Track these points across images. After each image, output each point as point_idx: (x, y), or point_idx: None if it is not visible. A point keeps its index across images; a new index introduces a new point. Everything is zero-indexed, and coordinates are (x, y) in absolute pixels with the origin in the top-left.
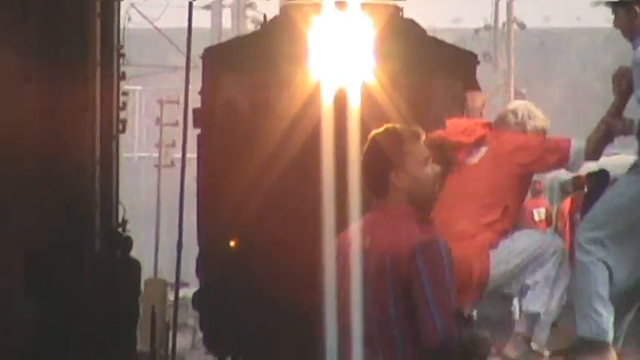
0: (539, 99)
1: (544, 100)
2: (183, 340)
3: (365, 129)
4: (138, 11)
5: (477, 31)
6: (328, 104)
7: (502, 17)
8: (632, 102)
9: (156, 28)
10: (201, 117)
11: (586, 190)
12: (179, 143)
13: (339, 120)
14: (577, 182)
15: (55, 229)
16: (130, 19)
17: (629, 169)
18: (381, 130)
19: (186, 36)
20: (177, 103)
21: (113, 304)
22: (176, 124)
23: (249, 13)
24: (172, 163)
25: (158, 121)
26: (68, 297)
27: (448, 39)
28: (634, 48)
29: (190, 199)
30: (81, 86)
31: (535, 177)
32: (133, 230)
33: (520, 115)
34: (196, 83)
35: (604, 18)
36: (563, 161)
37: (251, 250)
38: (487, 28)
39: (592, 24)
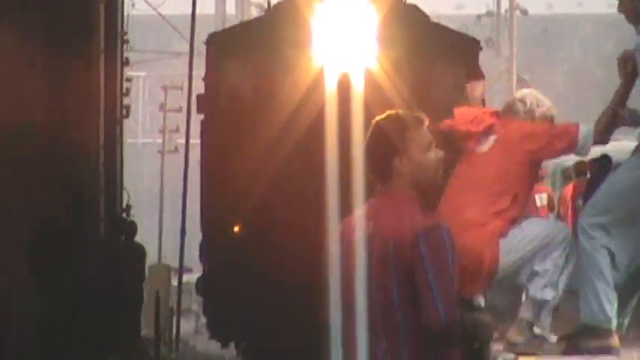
0: (542, 85)
1: (547, 87)
2: (186, 325)
3: (368, 114)
4: None
5: (479, 17)
6: (332, 90)
7: (504, 4)
8: (634, 92)
9: (159, 14)
10: (204, 103)
11: (588, 175)
12: (183, 129)
13: (342, 106)
14: (579, 168)
15: (59, 214)
16: (133, 5)
17: (632, 154)
18: (384, 115)
19: (189, 22)
20: (181, 89)
21: (118, 289)
22: (180, 110)
23: None
24: (176, 149)
25: (162, 107)
26: (72, 281)
27: (451, 25)
28: (638, 33)
29: (194, 184)
30: (85, 72)
31: None
32: (136, 216)
33: (529, 103)
34: (200, 69)
35: (606, 4)
36: (572, 146)
37: (255, 236)
38: (490, 14)
39: (595, 10)
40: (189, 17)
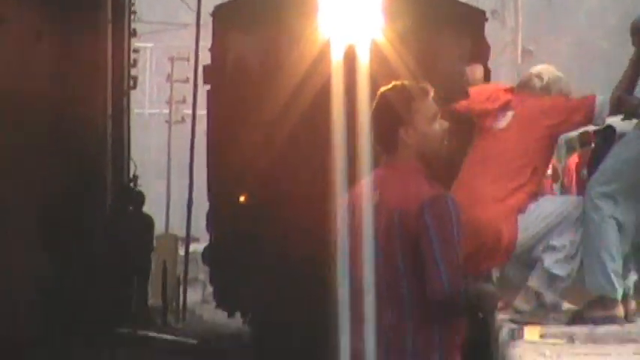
0: (547, 57)
1: (552, 58)
2: (193, 295)
3: (374, 86)
4: None
5: None
6: (338, 61)
7: None
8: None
9: None
10: (211, 74)
11: (593, 146)
12: (189, 100)
13: (348, 77)
14: (583, 138)
15: (67, 185)
16: None
17: (637, 123)
18: (389, 86)
19: None
20: (188, 60)
21: (125, 259)
22: (186, 80)
23: None
24: (183, 120)
25: (169, 77)
26: (81, 252)
27: None
28: None
29: (201, 155)
30: (92, 43)
31: None
32: (143, 186)
33: (545, 78)
34: (207, 40)
35: None
36: (589, 118)
37: (261, 206)
38: None
39: None
40: None
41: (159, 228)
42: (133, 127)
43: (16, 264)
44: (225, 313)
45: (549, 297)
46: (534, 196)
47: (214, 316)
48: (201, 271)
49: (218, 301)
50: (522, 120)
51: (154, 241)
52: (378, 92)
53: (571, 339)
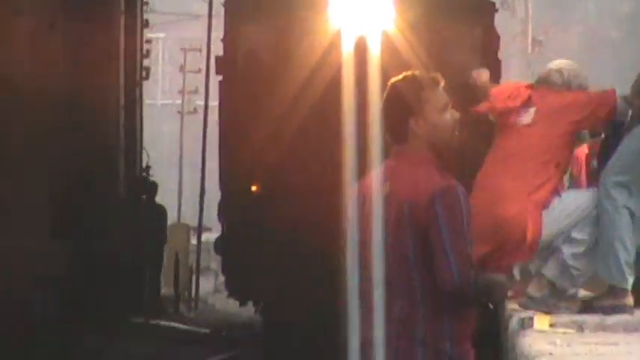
0: (557, 46)
1: (561, 48)
2: (206, 284)
3: (385, 77)
4: None
5: None
6: (348, 52)
7: None
8: None
9: None
10: (223, 64)
11: (602, 136)
12: (202, 90)
13: (359, 68)
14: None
15: (79, 175)
16: None
17: None
18: (400, 77)
19: None
20: (200, 50)
21: (138, 249)
22: (199, 71)
23: None
24: (195, 110)
25: (181, 68)
26: (93, 240)
27: None
28: None
29: (213, 145)
30: (105, 34)
31: None
32: (155, 176)
33: (566, 74)
34: (219, 31)
35: None
36: (612, 112)
37: (272, 196)
38: None
39: None
40: None
41: (171, 218)
42: (145, 117)
43: (28, 253)
44: (237, 303)
45: (563, 287)
46: (557, 191)
47: (226, 305)
48: (213, 261)
49: (230, 291)
50: (545, 115)
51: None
52: (389, 83)
53: (581, 328)
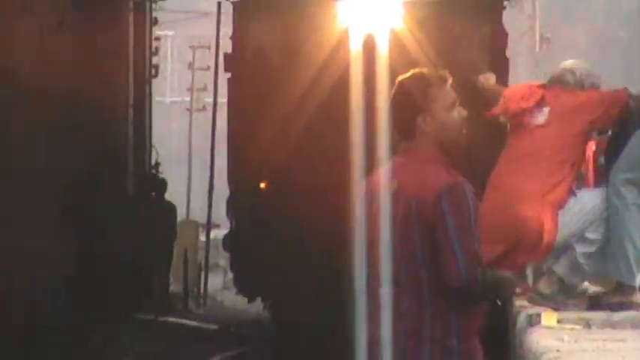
0: (564, 44)
1: (569, 46)
2: (214, 281)
3: (393, 75)
4: None
5: None
6: (357, 50)
7: None
8: None
9: None
10: (232, 62)
11: (610, 133)
12: (211, 87)
13: (367, 66)
14: None
15: (89, 171)
16: None
17: None
18: (408, 74)
19: None
20: (209, 48)
21: (148, 246)
22: (208, 68)
23: None
24: (204, 107)
25: (190, 65)
26: (102, 237)
27: None
28: None
29: (221, 142)
30: (114, 32)
31: None
32: (164, 173)
33: (578, 73)
34: (228, 28)
35: None
36: (624, 111)
37: (280, 193)
38: None
39: None
40: None
41: (180, 215)
42: (154, 114)
43: (38, 251)
44: (246, 299)
45: (572, 284)
46: (572, 191)
47: (235, 302)
48: (221, 258)
49: (238, 287)
50: (559, 116)
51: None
52: (397, 80)
53: (588, 324)
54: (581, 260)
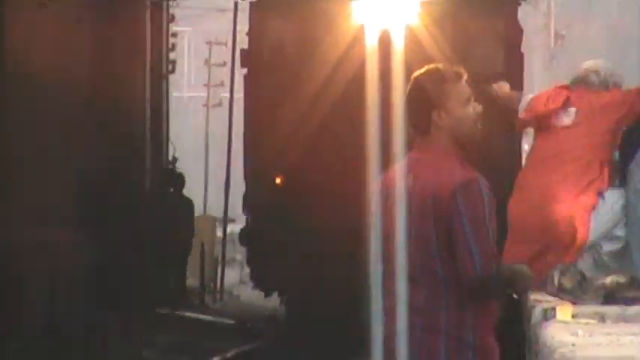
0: (579, 41)
1: (584, 43)
2: (231, 275)
3: (408, 71)
4: None
5: None
6: (372, 46)
7: None
8: None
9: None
10: (248, 57)
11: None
12: (227, 83)
13: (383, 62)
14: None
15: (106, 167)
16: None
17: None
18: (423, 70)
19: None
20: (226, 44)
21: (166, 240)
22: (224, 64)
23: None
24: (220, 103)
25: (206, 61)
26: (121, 233)
27: None
28: None
29: (238, 137)
30: (131, 28)
31: None
32: (181, 168)
33: (602, 73)
34: (244, 24)
35: None
36: None
37: (296, 188)
38: None
39: None
40: None
41: (197, 210)
42: (171, 110)
43: (58, 245)
44: (262, 294)
45: (593, 279)
46: (602, 191)
47: (251, 296)
48: (238, 252)
49: (255, 282)
50: (587, 116)
51: None
52: (412, 76)
53: (602, 319)
54: (606, 258)
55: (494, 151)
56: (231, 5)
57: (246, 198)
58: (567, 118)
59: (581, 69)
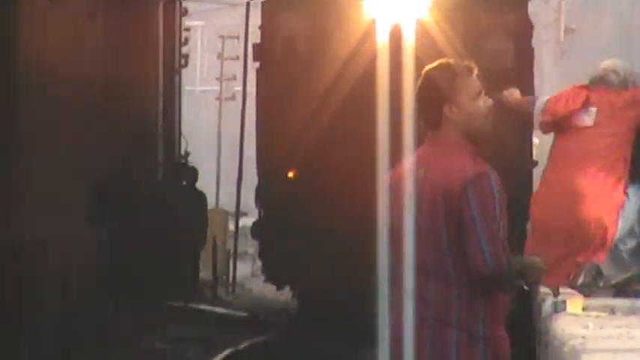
0: (589, 36)
1: (594, 37)
2: (243, 268)
3: (419, 65)
4: None
5: None
6: (384, 41)
7: None
8: None
9: None
10: (260, 51)
11: None
12: (240, 77)
13: (394, 56)
14: None
15: (119, 160)
16: None
17: None
18: (434, 64)
19: None
20: (238, 38)
21: (178, 234)
22: (237, 58)
23: None
24: (233, 97)
25: (219, 55)
26: (132, 226)
27: None
28: None
29: (250, 131)
30: (144, 22)
31: None
32: (194, 162)
33: (622, 73)
34: (256, 19)
35: None
36: None
37: (308, 182)
38: None
39: None
40: None
41: (209, 203)
42: (184, 104)
43: (70, 239)
44: (274, 287)
45: (609, 274)
46: (626, 189)
47: (263, 289)
48: (250, 246)
49: (267, 275)
50: (609, 115)
51: None
52: (423, 70)
53: (613, 311)
54: (626, 255)
55: (505, 145)
56: (244, 0)
57: (258, 191)
58: (588, 118)
59: (600, 69)
